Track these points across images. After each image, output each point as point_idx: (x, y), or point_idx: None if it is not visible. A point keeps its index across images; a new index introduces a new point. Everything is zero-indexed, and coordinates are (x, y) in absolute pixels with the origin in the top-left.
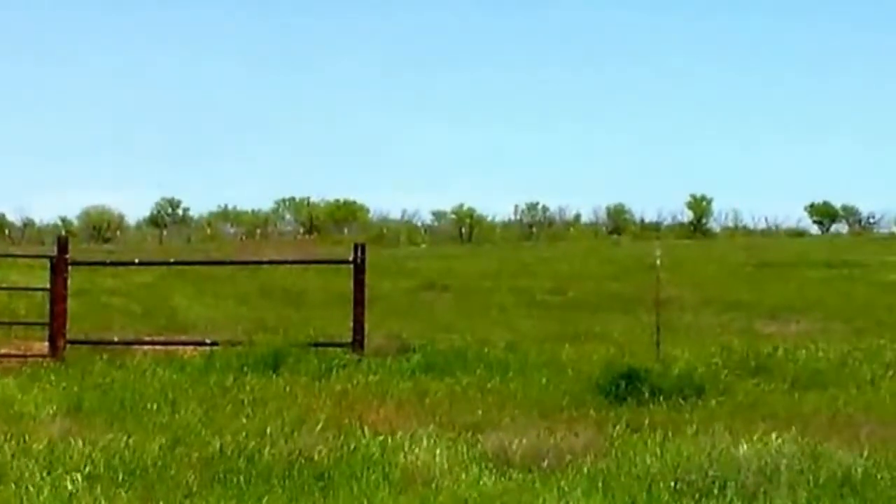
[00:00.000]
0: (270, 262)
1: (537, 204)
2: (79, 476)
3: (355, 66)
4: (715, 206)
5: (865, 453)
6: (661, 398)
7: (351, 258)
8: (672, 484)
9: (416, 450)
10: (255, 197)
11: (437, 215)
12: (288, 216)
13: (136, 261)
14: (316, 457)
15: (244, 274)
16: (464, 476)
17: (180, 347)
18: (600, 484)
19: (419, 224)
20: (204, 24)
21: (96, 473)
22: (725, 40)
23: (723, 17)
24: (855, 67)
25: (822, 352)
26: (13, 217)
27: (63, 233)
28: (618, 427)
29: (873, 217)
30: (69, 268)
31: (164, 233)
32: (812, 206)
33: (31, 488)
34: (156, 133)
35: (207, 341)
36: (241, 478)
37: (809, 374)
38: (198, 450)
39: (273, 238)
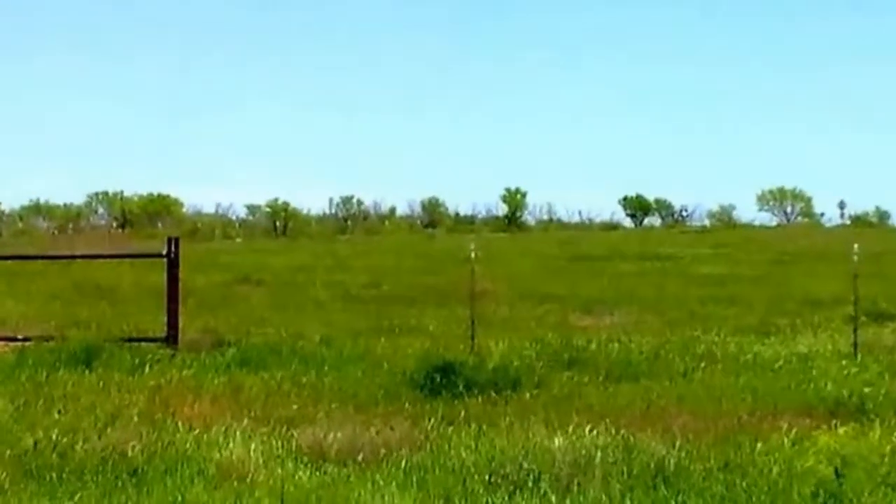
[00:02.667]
0: (83, 257)
1: (352, 197)
2: None
3: (174, 59)
4: (529, 200)
5: (678, 444)
6: (477, 391)
7: (164, 252)
8: (487, 477)
9: (231, 445)
10: (68, 190)
11: (252, 209)
12: (101, 210)
13: None
14: (129, 452)
15: (56, 269)
16: (279, 471)
17: None
18: (415, 478)
19: (233, 218)
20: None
21: None
22: (548, 31)
23: (537, 8)
24: (672, 61)
25: (636, 344)
26: None
27: None
28: (433, 420)
29: (686, 210)
30: None
31: None
32: (625, 199)
33: None
34: None
35: (19, 337)
36: (54, 474)
37: (623, 367)
38: (9, 446)
39: (86, 232)
